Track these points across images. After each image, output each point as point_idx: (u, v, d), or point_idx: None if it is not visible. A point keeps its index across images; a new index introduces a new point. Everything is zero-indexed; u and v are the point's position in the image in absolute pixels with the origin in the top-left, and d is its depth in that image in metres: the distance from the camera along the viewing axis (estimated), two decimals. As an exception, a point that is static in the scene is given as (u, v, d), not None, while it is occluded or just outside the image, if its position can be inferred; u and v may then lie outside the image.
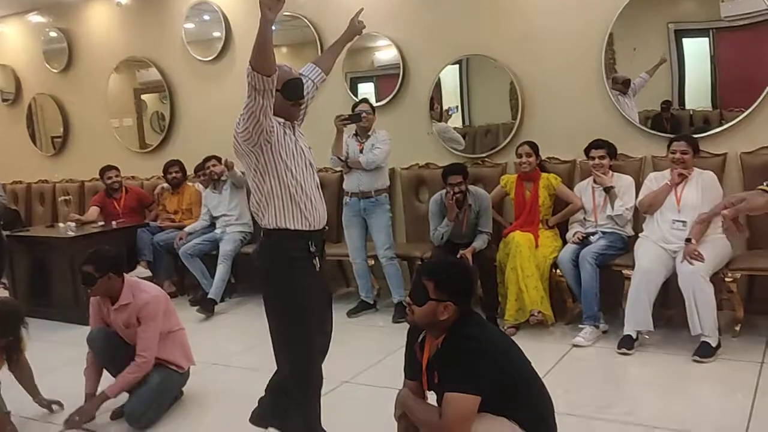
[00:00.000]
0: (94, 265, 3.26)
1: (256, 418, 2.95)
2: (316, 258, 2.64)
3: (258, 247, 2.80)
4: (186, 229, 5.71)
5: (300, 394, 2.73)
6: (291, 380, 2.71)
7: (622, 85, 4.58)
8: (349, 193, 4.85)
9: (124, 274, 3.38)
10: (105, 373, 3.42)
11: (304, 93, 2.70)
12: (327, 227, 2.74)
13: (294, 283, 2.59)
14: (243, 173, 5.67)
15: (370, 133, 4.80)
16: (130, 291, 3.32)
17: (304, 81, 2.71)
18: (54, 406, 3.46)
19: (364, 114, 4.68)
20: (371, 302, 4.98)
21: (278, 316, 2.68)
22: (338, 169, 5.06)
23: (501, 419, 2.21)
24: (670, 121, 4.51)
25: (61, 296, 5.31)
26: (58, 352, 4.36)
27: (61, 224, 5.96)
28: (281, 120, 2.59)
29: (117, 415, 3.34)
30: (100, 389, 3.35)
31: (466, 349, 2.19)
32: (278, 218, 2.59)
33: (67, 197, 6.71)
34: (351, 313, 4.88)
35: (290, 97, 2.59)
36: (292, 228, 2.59)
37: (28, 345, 3.38)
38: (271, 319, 2.70)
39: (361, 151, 4.76)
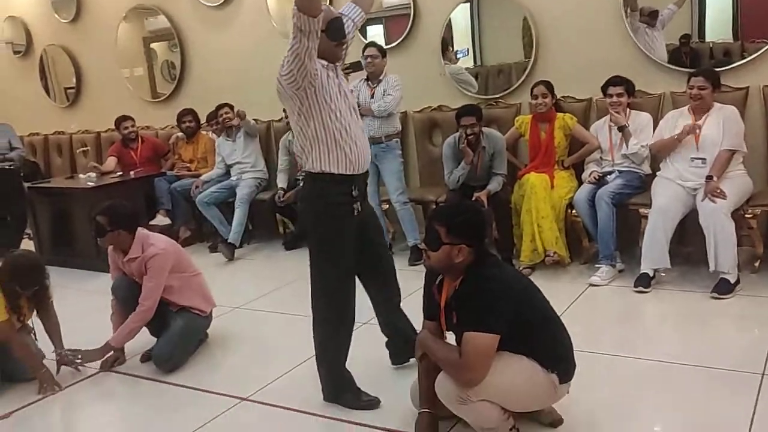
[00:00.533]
0: (108, 219, 3.32)
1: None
2: (357, 203, 2.66)
3: (301, 190, 2.84)
4: (202, 177, 5.74)
5: (331, 335, 2.80)
6: (323, 321, 2.78)
7: (649, 17, 4.44)
8: None
9: (138, 228, 3.42)
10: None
11: (346, 37, 2.65)
12: (368, 172, 2.75)
13: (334, 226, 2.64)
14: (255, 121, 5.71)
15: (381, 78, 4.74)
16: (140, 244, 3.37)
17: (344, 21, 2.65)
18: (70, 368, 3.46)
19: (368, 60, 4.61)
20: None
21: (316, 257, 2.72)
22: None
23: (520, 357, 2.26)
24: (690, 55, 4.39)
25: (84, 245, 5.41)
26: (82, 300, 4.48)
27: (81, 175, 6.01)
28: (324, 62, 2.58)
29: (146, 358, 3.45)
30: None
31: (484, 289, 2.22)
32: (322, 162, 2.59)
33: (84, 148, 6.75)
34: (411, 262, 4.88)
35: (334, 37, 2.55)
36: (336, 172, 2.59)
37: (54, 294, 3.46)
38: (311, 259, 2.74)
39: (372, 97, 4.71)
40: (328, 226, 2.65)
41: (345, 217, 2.64)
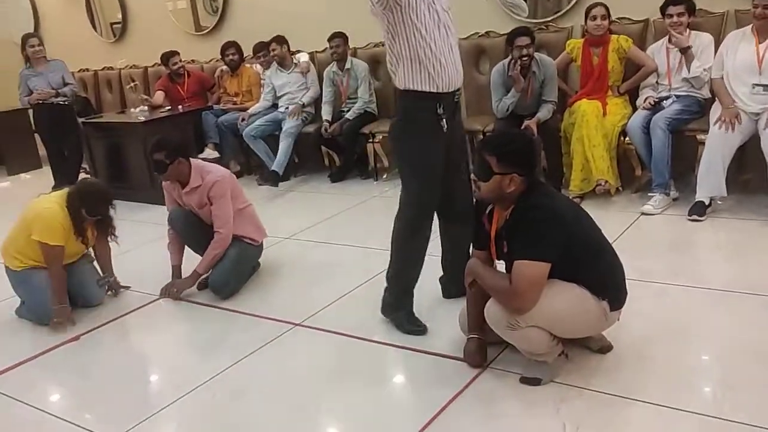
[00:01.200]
0: (164, 152, 3.38)
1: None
2: (444, 120, 2.66)
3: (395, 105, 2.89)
4: (249, 111, 5.76)
5: (405, 248, 2.85)
6: (402, 231, 2.84)
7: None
8: None
9: (191, 158, 3.49)
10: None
11: None
12: (460, 90, 2.76)
13: (418, 142, 2.69)
14: (299, 52, 5.65)
15: None
16: (199, 174, 3.44)
17: None
18: (121, 290, 3.67)
19: None
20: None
21: (402, 170, 2.82)
22: None
23: (571, 285, 2.26)
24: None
25: (138, 178, 5.56)
26: (138, 231, 4.63)
27: (132, 109, 6.11)
28: None
29: (202, 286, 3.58)
30: (184, 263, 3.60)
31: (535, 217, 2.20)
32: (407, 79, 2.64)
33: (134, 83, 6.83)
34: None
35: None
36: (420, 89, 2.63)
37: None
38: (399, 171, 2.86)
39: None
40: (412, 141, 2.71)
41: (430, 134, 2.67)
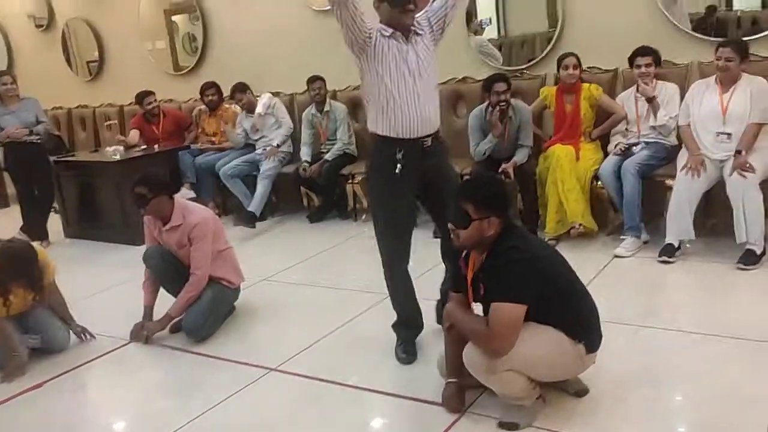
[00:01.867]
0: (147, 186, 3.36)
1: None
2: (400, 165, 2.76)
3: None
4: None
5: (386, 275, 3.01)
6: (382, 261, 2.99)
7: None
8: None
9: (174, 196, 3.48)
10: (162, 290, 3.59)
11: (413, 2, 2.67)
12: (432, 136, 2.83)
13: (379, 181, 2.87)
14: (276, 94, 5.71)
15: None
16: (181, 212, 3.42)
17: None
18: (86, 335, 3.54)
19: None
20: None
21: (370, 204, 3.03)
22: None
23: (547, 327, 2.28)
24: (716, 26, 4.30)
25: (110, 218, 5.50)
26: (109, 273, 4.56)
27: (108, 149, 6.07)
28: (389, 30, 2.69)
29: (174, 329, 3.52)
30: (157, 304, 3.54)
31: (511, 259, 2.24)
32: (371, 122, 2.84)
33: (111, 122, 6.81)
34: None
35: (393, 4, 2.66)
36: (381, 133, 2.79)
37: (58, 271, 3.46)
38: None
39: None
40: (375, 179, 2.91)
41: (387, 176, 2.79)
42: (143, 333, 3.44)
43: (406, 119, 2.74)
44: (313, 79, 5.42)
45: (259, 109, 5.59)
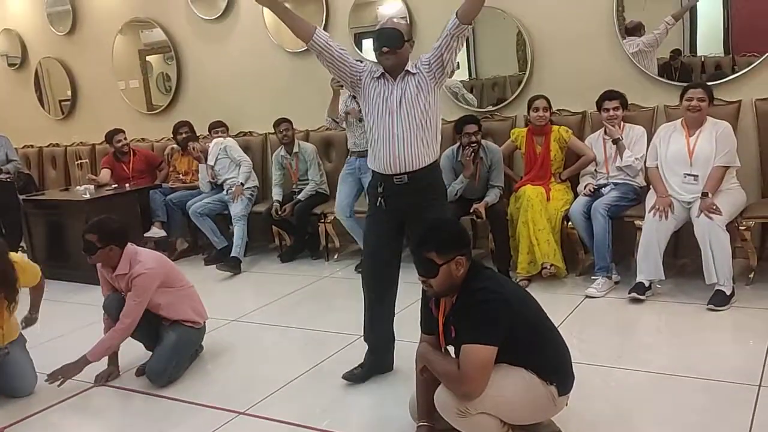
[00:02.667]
0: (98, 236, 3.28)
1: None
2: (381, 198, 2.93)
3: None
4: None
5: (363, 301, 3.14)
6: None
7: (634, 29, 4.49)
8: (350, 151, 5.02)
9: (128, 244, 3.38)
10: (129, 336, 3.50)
11: (386, 45, 2.84)
12: (404, 175, 2.89)
13: (367, 213, 3.08)
14: (250, 134, 5.71)
15: None
16: (128, 261, 3.33)
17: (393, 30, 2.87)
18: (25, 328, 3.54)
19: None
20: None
21: None
22: (336, 128, 5.18)
23: (518, 369, 2.26)
24: (680, 69, 4.44)
25: (79, 258, 5.29)
26: (77, 313, 4.46)
27: (78, 187, 5.99)
28: (380, 71, 2.91)
29: (141, 372, 3.43)
30: (121, 350, 3.45)
31: (480, 300, 2.23)
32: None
33: (82, 161, 6.75)
34: (357, 268, 4.96)
35: (374, 48, 2.90)
36: (369, 167, 3.02)
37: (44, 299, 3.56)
38: None
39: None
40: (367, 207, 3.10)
41: (372, 208, 3.02)
42: (58, 376, 3.26)
43: (381, 155, 2.89)
44: (279, 122, 5.47)
45: (209, 161, 5.64)
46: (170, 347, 3.34)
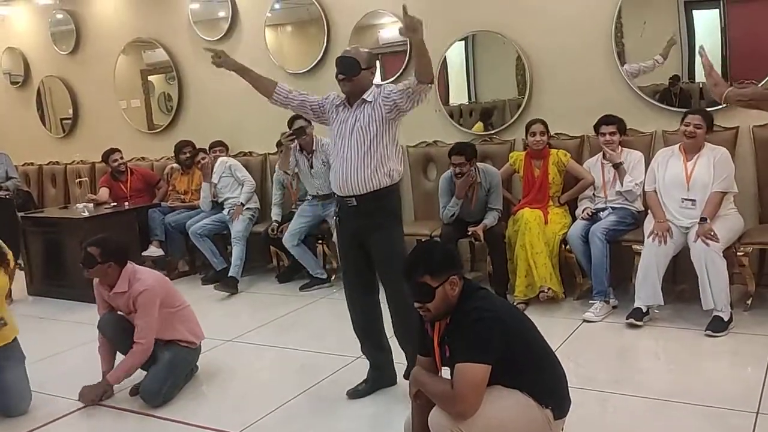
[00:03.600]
0: (100, 250, 3.29)
1: None
2: (336, 218, 3.14)
3: None
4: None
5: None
6: None
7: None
8: (313, 196, 5.21)
9: (127, 263, 3.39)
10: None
11: (341, 72, 2.99)
12: (353, 198, 3.00)
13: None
14: (250, 154, 5.73)
15: (314, 147, 5.03)
16: (127, 279, 3.33)
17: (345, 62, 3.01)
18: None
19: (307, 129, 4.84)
20: (323, 277, 5.24)
21: None
22: (289, 181, 5.38)
23: (514, 391, 2.24)
24: (679, 96, 4.47)
25: (77, 276, 5.30)
26: (73, 332, 4.43)
27: (78, 205, 5.99)
28: (341, 98, 3.08)
29: (135, 391, 3.40)
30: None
31: (474, 320, 2.21)
32: None
33: (82, 179, 6.76)
34: (302, 288, 5.19)
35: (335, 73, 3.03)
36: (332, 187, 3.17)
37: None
38: None
39: (311, 167, 5.07)
40: None
41: (337, 227, 3.20)
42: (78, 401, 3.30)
43: (335, 177, 3.05)
44: (280, 143, 5.48)
45: (214, 179, 5.67)
46: (165, 367, 3.32)
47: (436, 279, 2.24)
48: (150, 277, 3.41)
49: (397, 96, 2.92)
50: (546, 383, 2.31)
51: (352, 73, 2.96)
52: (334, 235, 4.79)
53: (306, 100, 3.16)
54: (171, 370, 3.34)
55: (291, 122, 4.93)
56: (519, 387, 2.25)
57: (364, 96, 2.99)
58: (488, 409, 2.18)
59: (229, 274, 5.34)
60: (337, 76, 3.01)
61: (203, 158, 5.72)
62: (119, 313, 3.45)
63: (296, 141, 4.69)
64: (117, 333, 3.40)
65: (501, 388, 2.23)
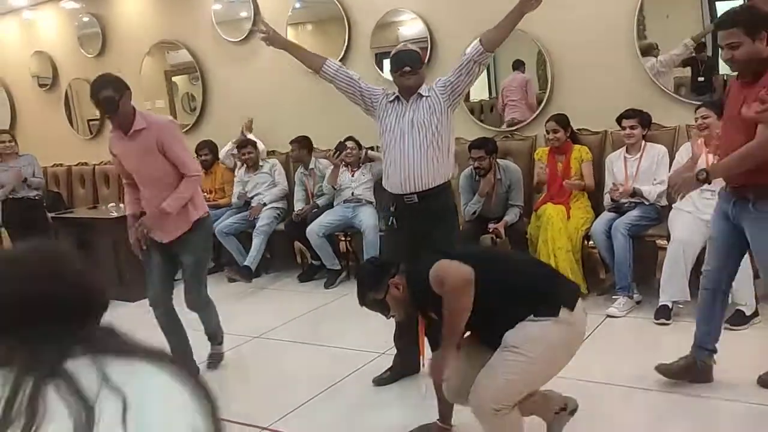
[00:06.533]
0: (111, 87, 3.15)
1: None
2: (393, 218, 3.06)
3: None
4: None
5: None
6: None
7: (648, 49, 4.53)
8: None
9: None
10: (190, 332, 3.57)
11: (409, 65, 2.97)
12: (414, 195, 2.96)
13: (382, 231, 3.41)
14: (274, 153, 5.81)
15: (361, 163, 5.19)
16: (142, 117, 3.25)
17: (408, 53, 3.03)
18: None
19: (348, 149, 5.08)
20: (338, 268, 5.30)
21: None
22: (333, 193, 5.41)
23: (517, 331, 2.18)
24: (704, 88, 4.44)
25: (108, 274, 5.48)
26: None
27: (111, 205, 6.11)
28: (392, 92, 3.03)
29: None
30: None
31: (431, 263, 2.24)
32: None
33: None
34: (326, 285, 5.24)
35: (392, 69, 3.05)
36: (384, 186, 3.14)
37: None
38: None
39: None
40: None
41: (385, 228, 3.21)
42: (140, 229, 3.29)
43: (393, 175, 2.98)
44: (292, 141, 5.63)
45: (261, 145, 5.82)
46: (191, 274, 3.44)
47: (378, 293, 2.35)
48: (162, 116, 3.39)
49: (452, 76, 2.95)
50: (538, 286, 2.25)
51: (418, 65, 3.00)
52: (368, 236, 4.91)
53: (356, 83, 3.11)
54: (197, 273, 3.46)
55: (342, 142, 5.13)
56: (523, 311, 2.18)
57: (420, 90, 3.00)
58: (518, 371, 2.15)
59: (244, 263, 5.41)
60: (398, 71, 2.98)
61: (250, 152, 5.77)
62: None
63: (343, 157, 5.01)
64: (170, 308, 3.46)
65: (513, 354, 2.16)
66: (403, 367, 3.23)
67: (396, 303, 2.35)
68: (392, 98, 3.04)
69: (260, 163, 5.83)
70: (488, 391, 2.17)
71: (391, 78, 3.21)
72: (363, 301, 2.41)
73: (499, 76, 5.29)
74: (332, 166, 5.21)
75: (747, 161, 2.54)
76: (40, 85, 8.19)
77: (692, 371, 2.92)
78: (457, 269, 2.15)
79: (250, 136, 5.98)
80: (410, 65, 2.98)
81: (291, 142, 5.60)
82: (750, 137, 2.53)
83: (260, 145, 5.89)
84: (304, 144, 5.60)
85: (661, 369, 2.93)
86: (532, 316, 2.16)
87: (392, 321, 2.94)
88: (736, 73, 2.79)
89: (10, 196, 5.83)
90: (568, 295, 2.27)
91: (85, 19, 7.52)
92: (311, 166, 5.60)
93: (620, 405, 2.88)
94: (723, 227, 2.86)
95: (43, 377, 0.86)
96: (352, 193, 5.23)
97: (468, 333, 2.33)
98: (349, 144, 5.15)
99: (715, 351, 2.97)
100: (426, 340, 2.59)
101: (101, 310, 1.05)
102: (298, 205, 5.61)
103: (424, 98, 2.98)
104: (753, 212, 2.65)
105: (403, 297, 2.33)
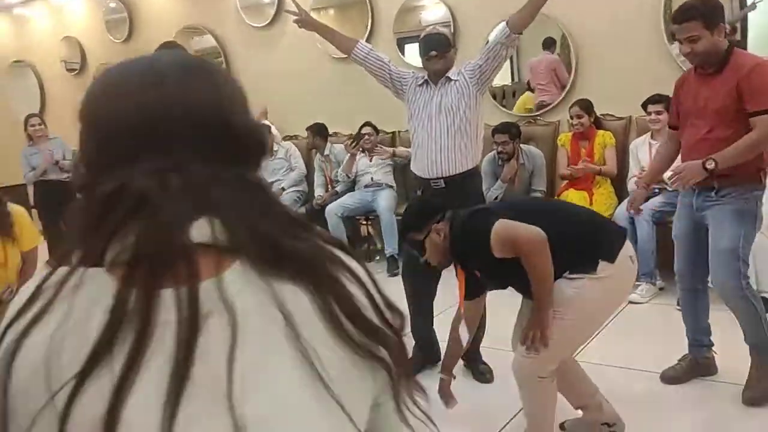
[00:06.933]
0: None
1: None
2: None
3: None
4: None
5: (410, 316, 3.09)
6: None
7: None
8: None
9: None
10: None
11: (435, 49, 2.96)
12: (441, 180, 2.96)
13: None
14: (296, 137, 5.85)
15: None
16: None
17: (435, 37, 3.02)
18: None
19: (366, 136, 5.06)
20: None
21: None
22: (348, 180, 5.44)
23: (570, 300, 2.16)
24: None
25: None
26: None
27: None
28: (421, 76, 3.01)
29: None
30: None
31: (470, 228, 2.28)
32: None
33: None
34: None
35: (420, 53, 3.05)
36: (412, 169, 3.16)
37: None
38: None
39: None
40: None
41: None
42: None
43: (420, 159, 2.99)
44: (307, 128, 5.68)
45: (275, 131, 5.85)
46: None
47: (418, 232, 2.34)
48: None
49: (480, 59, 2.94)
50: (569, 248, 2.14)
51: (445, 49, 2.98)
52: (384, 218, 4.93)
53: (387, 65, 3.12)
54: None
55: (359, 131, 5.14)
56: (571, 262, 2.13)
57: (449, 74, 2.99)
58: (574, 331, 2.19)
59: None
60: (426, 55, 2.98)
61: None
62: None
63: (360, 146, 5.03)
64: None
65: (562, 320, 2.14)
66: (424, 360, 3.22)
67: (434, 249, 2.33)
68: (421, 82, 3.04)
69: (275, 148, 5.85)
70: (526, 360, 2.18)
71: (413, 63, 3.22)
72: (403, 237, 2.46)
73: (522, 61, 5.25)
74: (348, 155, 5.23)
75: (755, 150, 2.55)
76: (69, 70, 8.31)
77: (696, 369, 2.95)
78: (527, 230, 2.07)
79: (265, 121, 6.03)
80: (436, 49, 2.97)
81: (306, 129, 5.63)
82: (736, 128, 2.53)
83: (274, 130, 5.93)
84: (317, 131, 5.64)
85: (669, 377, 2.94)
86: (567, 273, 2.13)
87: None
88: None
89: (42, 179, 5.96)
90: (608, 246, 2.16)
91: (112, 4, 7.60)
92: (326, 152, 5.64)
93: (643, 390, 2.88)
94: (685, 227, 2.85)
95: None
96: (372, 178, 5.25)
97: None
98: (366, 130, 5.15)
99: (711, 344, 2.97)
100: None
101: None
102: (319, 191, 5.67)
103: (452, 82, 2.97)
104: (715, 198, 2.65)
105: (443, 245, 2.32)
